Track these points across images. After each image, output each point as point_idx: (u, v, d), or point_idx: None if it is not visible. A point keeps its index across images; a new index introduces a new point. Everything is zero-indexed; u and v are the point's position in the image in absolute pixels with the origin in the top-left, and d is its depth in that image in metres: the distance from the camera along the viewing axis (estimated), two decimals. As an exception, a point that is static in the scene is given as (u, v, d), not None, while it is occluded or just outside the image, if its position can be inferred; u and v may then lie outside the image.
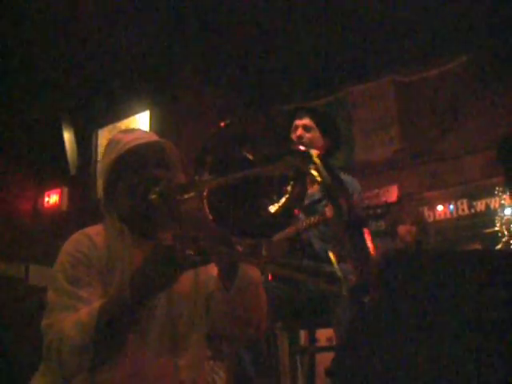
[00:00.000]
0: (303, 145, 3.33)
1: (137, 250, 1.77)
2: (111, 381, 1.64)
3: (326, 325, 3.16)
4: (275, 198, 1.43)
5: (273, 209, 1.43)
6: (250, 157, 1.46)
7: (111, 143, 1.93)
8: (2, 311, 6.39)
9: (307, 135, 3.38)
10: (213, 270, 1.80)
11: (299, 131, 3.38)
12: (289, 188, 1.42)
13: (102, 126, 8.19)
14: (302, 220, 3.28)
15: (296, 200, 1.42)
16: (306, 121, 3.41)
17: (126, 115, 7.78)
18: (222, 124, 1.45)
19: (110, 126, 8.04)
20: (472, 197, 6.51)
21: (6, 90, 7.07)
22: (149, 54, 6.80)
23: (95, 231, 1.85)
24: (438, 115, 6.70)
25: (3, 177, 7.79)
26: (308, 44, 6.52)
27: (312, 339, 3.42)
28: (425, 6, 5.86)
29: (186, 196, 1.50)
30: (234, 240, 1.51)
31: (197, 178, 1.44)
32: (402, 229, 4.86)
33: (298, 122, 3.41)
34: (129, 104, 7.60)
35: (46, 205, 8.31)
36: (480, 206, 6.46)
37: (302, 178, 1.43)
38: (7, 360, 5.32)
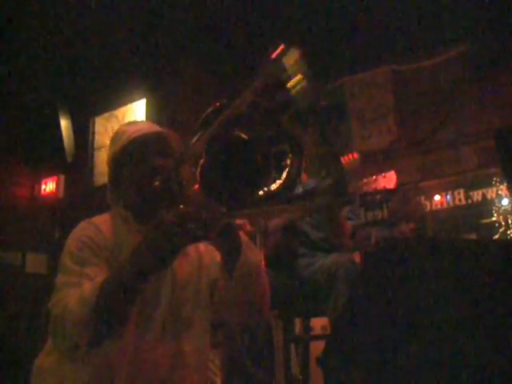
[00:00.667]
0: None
1: (140, 237, 1.80)
2: (116, 365, 1.67)
3: (321, 313, 3.17)
4: (275, 174, 1.45)
5: (274, 186, 1.44)
6: (244, 136, 1.48)
7: (116, 135, 2.00)
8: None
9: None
10: (216, 256, 1.86)
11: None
12: (288, 162, 1.43)
13: (98, 113, 8.18)
14: (298, 209, 3.28)
15: (295, 176, 1.44)
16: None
17: (123, 103, 7.78)
18: (218, 104, 1.48)
19: (107, 114, 8.03)
20: (469, 187, 6.51)
21: (2, 79, 7.05)
22: (145, 41, 6.78)
23: (102, 220, 1.89)
24: (435, 105, 6.68)
25: (0, 165, 7.79)
26: (304, 33, 6.50)
27: (306, 328, 3.43)
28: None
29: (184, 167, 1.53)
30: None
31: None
32: (404, 227, 4.86)
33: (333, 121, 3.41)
34: (125, 92, 7.59)
35: (42, 192, 8.31)
36: (477, 196, 6.46)
37: (299, 151, 1.43)
38: (5, 346, 5.35)
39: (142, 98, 7.56)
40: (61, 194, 8.13)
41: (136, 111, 7.61)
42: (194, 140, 1.47)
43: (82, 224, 1.86)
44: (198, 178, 1.42)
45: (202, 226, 1.46)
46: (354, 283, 2.55)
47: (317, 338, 3.55)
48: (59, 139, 7.74)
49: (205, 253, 1.94)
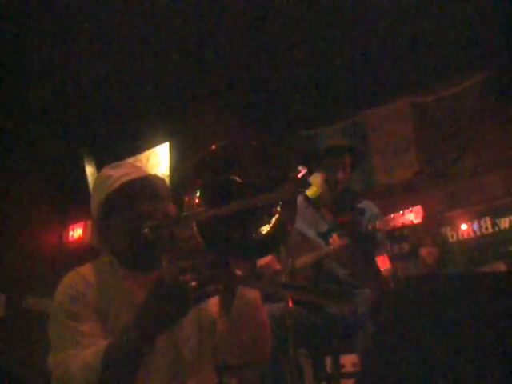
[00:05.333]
0: (345, 183, 3.42)
1: (129, 283, 1.83)
2: None
3: (351, 350, 3.15)
4: (266, 218, 1.46)
5: (264, 230, 1.45)
6: (239, 180, 1.50)
7: (100, 179, 1.96)
8: (32, 346, 6.45)
9: (348, 175, 3.46)
10: (214, 298, 1.81)
11: (347, 171, 3.44)
12: (278, 208, 1.45)
13: (122, 158, 8.26)
14: (323, 248, 3.29)
15: (287, 219, 1.45)
16: (349, 160, 3.49)
17: (147, 147, 7.86)
18: (213, 147, 1.50)
19: (131, 159, 8.12)
20: (495, 214, 6.43)
21: (28, 127, 7.21)
22: (168, 86, 6.88)
23: (87, 270, 1.88)
24: (457, 134, 6.66)
25: (29, 213, 7.91)
26: (324, 68, 6.56)
27: (336, 365, 3.40)
28: (439, 25, 5.88)
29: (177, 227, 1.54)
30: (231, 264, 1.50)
31: (186, 199, 1.48)
32: (423, 251, 4.85)
33: (345, 161, 3.47)
34: (149, 136, 7.68)
35: (70, 239, 8.39)
36: (504, 223, 6.38)
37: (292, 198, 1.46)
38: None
39: (166, 141, 7.64)
40: (88, 240, 8.19)
41: (159, 155, 7.68)
42: (195, 212, 1.47)
43: (70, 275, 1.85)
44: (195, 229, 1.43)
45: (205, 282, 1.42)
46: (376, 321, 2.55)
47: (346, 375, 3.52)
48: (85, 185, 7.85)
49: None
